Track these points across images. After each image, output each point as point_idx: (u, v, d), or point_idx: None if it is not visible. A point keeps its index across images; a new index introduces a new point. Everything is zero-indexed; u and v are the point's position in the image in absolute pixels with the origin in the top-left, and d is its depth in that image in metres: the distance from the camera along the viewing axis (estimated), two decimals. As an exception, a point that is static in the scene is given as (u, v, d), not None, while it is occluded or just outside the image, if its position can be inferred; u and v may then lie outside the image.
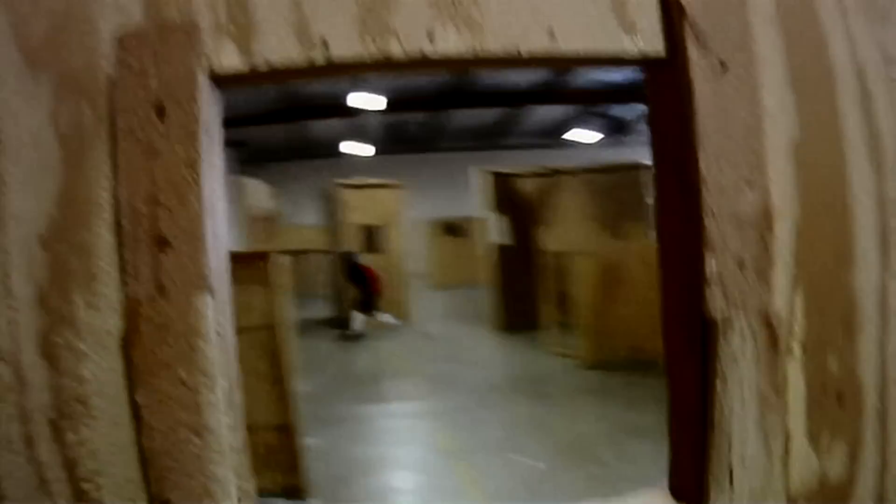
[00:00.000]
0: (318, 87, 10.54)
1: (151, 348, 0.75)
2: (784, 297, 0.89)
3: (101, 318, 0.75)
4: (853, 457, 0.94)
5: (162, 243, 0.74)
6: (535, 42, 0.82)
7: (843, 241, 0.91)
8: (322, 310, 11.00)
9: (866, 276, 0.92)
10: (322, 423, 4.88)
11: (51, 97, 0.74)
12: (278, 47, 0.77)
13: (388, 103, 11.53)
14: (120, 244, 0.74)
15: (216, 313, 0.76)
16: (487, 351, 8.02)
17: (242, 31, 0.76)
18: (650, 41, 0.85)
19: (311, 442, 3.92)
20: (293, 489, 3.53)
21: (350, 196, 9.88)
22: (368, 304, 8.91)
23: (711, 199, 0.85)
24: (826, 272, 0.91)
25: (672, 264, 0.94)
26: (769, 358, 0.88)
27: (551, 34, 0.82)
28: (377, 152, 16.46)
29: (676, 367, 0.95)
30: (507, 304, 8.50)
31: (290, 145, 15.61)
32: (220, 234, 0.81)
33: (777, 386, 0.89)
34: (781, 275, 0.89)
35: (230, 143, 13.20)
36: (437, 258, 15.47)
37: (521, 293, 8.16)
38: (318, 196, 12.01)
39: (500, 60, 0.83)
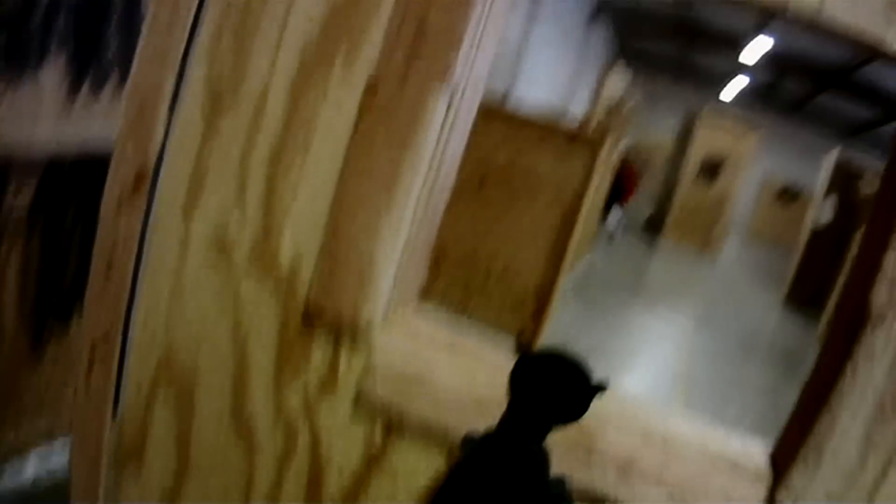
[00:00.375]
0: (724, 19, 10.11)
1: (379, 119, 0.89)
2: None
3: (344, 85, 0.90)
4: None
5: (421, 36, 0.86)
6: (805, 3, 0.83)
7: None
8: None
9: None
10: (586, 302, 5.07)
11: None
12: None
13: (777, 60, 10.90)
14: (387, 33, 0.87)
15: (445, 112, 0.88)
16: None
17: None
18: None
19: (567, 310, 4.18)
20: (525, 338, 3.76)
21: (707, 121, 9.79)
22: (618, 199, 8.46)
23: None
24: None
25: (870, 246, 0.94)
26: None
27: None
28: (747, 103, 16.52)
29: (827, 347, 0.97)
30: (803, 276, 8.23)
31: (677, 63, 15.36)
32: (486, 50, 0.93)
33: None
34: None
35: (631, 52, 13.70)
36: (761, 213, 15.35)
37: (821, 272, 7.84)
38: (681, 112, 12.14)
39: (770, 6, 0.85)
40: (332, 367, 0.97)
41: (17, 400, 2.09)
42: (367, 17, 0.88)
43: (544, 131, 3.79)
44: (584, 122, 4.37)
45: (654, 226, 11.39)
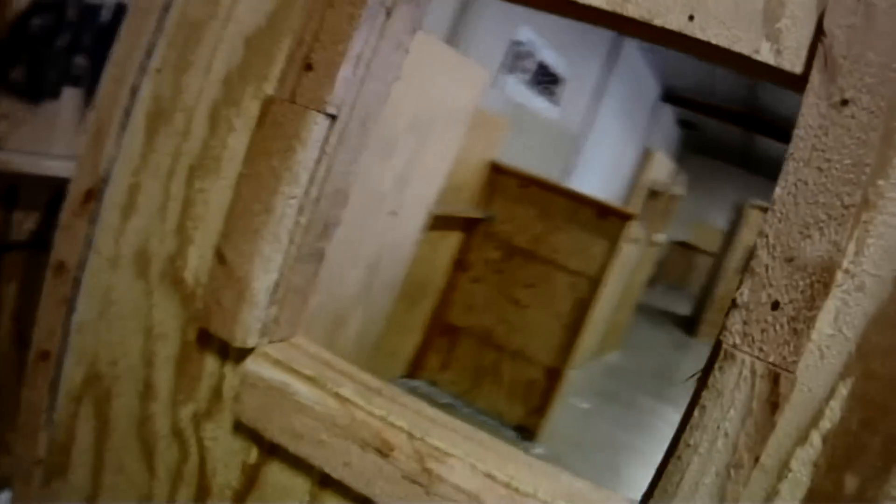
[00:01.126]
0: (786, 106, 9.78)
1: (267, 137, 0.95)
2: (822, 373, 0.78)
3: (253, 106, 0.98)
4: None
5: (308, 67, 0.93)
6: (672, 21, 0.84)
7: None
8: (682, 305, 10.88)
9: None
10: (606, 398, 4.85)
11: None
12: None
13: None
14: (287, 60, 0.95)
15: (324, 134, 0.94)
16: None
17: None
18: (790, 56, 0.81)
19: (583, 405, 4.01)
20: (526, 430, 3.72)
21: (756, 218, 9.37)
22: None
23: (774, 225, 0.79)
24: (891, 383, 0.77)
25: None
26: (761, 419, 0.79)
27: (691, 18, 0.84)
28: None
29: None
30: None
31: (737, 150, 14.97)
32: (371, 90, 0.98)
33: (757, 454, 0.79)
34: (828, 346, 0.78)
35: (681, 123, 13.56)
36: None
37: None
38: (730, 204, 11.75)
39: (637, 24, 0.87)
40: (218, 387, 1.00)
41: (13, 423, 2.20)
42: (274, 50, 0.97)
43: (576, 204, 3.78)
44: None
45: (691, 323, 10.58)
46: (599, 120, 9.57)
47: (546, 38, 7.12)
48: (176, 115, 1.03)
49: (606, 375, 5.89)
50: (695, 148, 15.53)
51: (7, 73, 1.81)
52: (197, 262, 1.01)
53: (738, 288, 0.80)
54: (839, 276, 0.77)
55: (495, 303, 4.05)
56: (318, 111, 0.92)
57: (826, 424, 0.78)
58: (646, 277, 6.74)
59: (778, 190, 0.79)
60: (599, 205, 3.87)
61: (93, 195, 1.08)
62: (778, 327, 0.78)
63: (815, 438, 0.79)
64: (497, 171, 4.01)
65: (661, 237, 6.22)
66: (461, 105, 2.18)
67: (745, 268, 0.80)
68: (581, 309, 3.80)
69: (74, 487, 1.14)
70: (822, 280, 0.77)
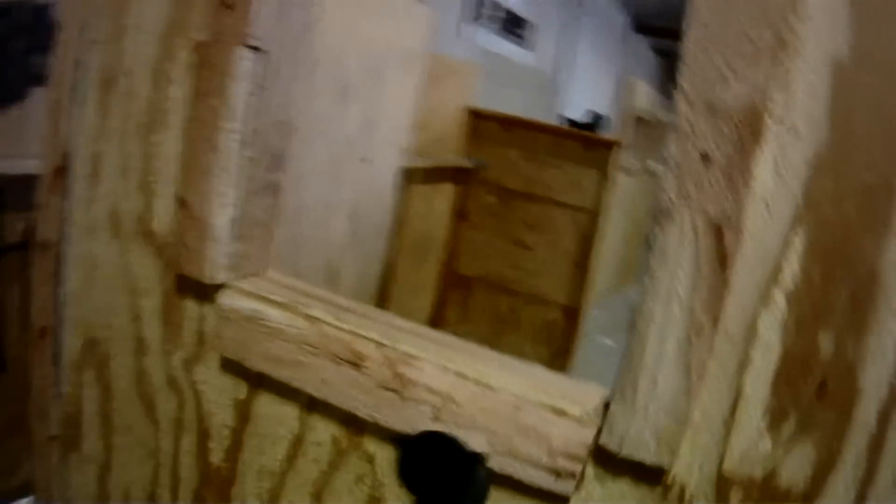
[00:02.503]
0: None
1: (202, 79, 0.96)
2: (772, 226, 0.75)
3: (186, 56, 0.98)
4: (820, 470, 0.76)
5: (226, 5, 0.93)
6: None
7: (881, 201, 0.72)
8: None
9: (903, 254, 0.75)
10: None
11: None
12: None
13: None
14: (205, 4, 0.95)
15: (253, 67, 0.93)
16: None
17: None
18: None
19: (607, 341, 4.02)
20: (555, 370, 3.71)
21: None
22: None
23: (688, 76, 0.75)
24: (847, 228, 0.73)
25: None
26: (711, 276, 0.75)
27: None
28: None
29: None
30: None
31: None
32: (294, 20, 0.97)
33: (716, 317, 0.76)
34: (772, 196, 0.74)
35: (658, 52, 13.49)
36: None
37: None
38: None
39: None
40: (201, 329, 1.03)
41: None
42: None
43: (559, 138, 3.75)
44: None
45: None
46: (573, 58, 9.54)
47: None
48: (120, 79, 1.05)
49: (627, 310, 5.88)
50: (675, 76, 15.40)
51: (-33, 83, 1.82)
52: (163, 212, 1.03)
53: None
54: (769, 121, 0.73)
55: (501, 248, 4.04)
56: (243, 45, 0.92)
57: (787, 280, 0.75)
58: (649, 207, 6.70)
59: (686, 40, 0.75)
60: (583, 137, 3.85)
61: (61, 172, 1.09)
62: (712, 180, 0.75)
63: (779, 297, 0.76)
64: (478, 117, 3.99)
65: (657, 166, 6.15)
66: (410, 47, 2.15)
67: (671, 124, 0.77)
68: (587, 243, 3.79)
69: (89, 456, 1.18)
70: (749, 126, 0.74)
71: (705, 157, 0.75)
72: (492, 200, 4.06)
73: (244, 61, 0.92)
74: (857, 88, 0.72)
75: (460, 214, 4.10)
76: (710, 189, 0.75)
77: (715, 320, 0.76)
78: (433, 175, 3.71)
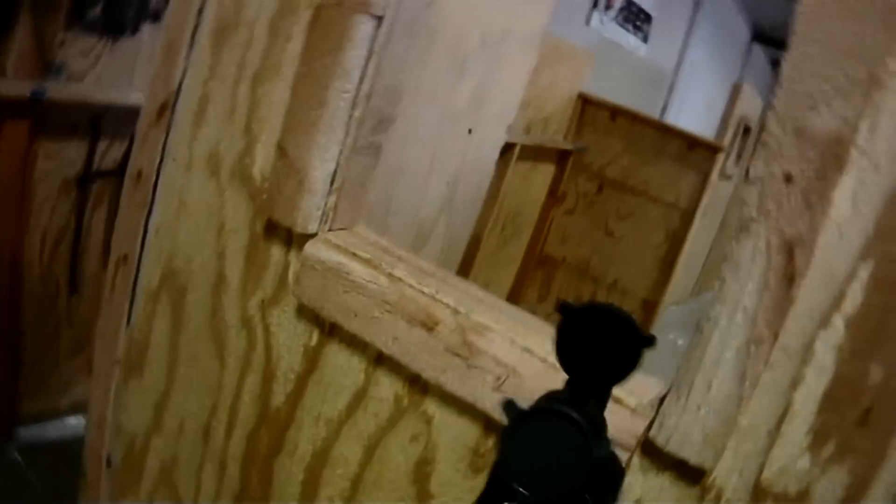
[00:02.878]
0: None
1: (319, 38, 1.08)
2: (842, 253, 0.83)
3: (307, 15, 1.11)
4: (852, 494, 0.84)
5: None
6: None
7: None
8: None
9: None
10: None
11: None
12: None
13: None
14: None
15: (371, 33, 1.06)
16: None
17: None
18: None
19: (680, 341, 4.09)
20: None
21: None
22: None
23: (783, 98, 0.84)
24: None
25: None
26: (778, 293, 0.84)
27: None
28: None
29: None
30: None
31: None
32: None
33: (776, 331, 0.85)
34: (846, 224, 0.83)
35: (774, 63, 13.22)
36: None
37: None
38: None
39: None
40: (283, 274, 1.14)
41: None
42: None
43: (664, 136, 3.84)
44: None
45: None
46: (690, 58, 9.52)
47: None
48: (239, 29, 1.16)
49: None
50: None
51: (84, 13, 2.01)
52: (263, 158, 1.15)
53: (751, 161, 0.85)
54: (853, 152, 0.81)
55: (590, 234, 4.18)
56: (364, 12, 1.02)
57: (848, 308, 0.83)
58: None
59: (785, 64, 0.84)
60: (688, 137, 3.95)
61: (167, 108, 1.24)
62: (792, 199, 0.84)
63: (838, 321, 0.83)
64: (586, 103, 4.11)
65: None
66: (529, 30, 2.27)
67: (758, 141, 0.85)
68: (675, 241, 3.91)
69: (150, 383, 1.31)
70: (833, 155, 0.82)
71: (788, 178, 0.84)
72: (589, 187, 4.18)
73: (363, 26, 1.02)
74: None
75: (556, 196, 4.24)
76: (789, 209, 0.84)
77: (775, 334, 0.85)
78: (535, 153, 3.85)
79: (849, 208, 0.83)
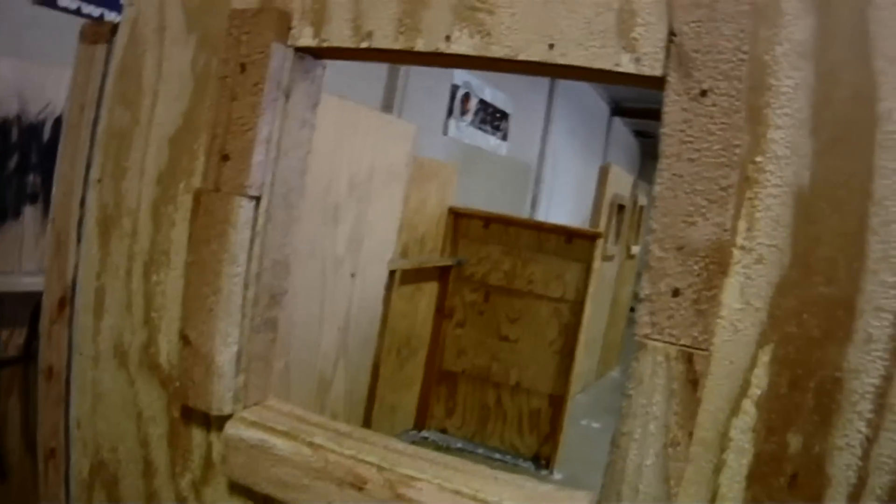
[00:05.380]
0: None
1: (202, 225, 1.04)
2: (740, 346, 0.87)
3: (186, 200, 1.07)
4: None
5: (225, 158, 1.02)
6: (534, 52, 0.93)
7: (841, 313, 0.84)
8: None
9: (863, 359, 0.83)
10: (616, 415, 4.98)
11: (194, 47, 1.09)
12: (338, 34, 1.05)
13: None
14: (206, 153, 1.06)
15: (251, 215, 1.05)
16: None
17: (318, 18, 1.06)
18: (650, 61, 0.89)
19: (594, 425, 4.17)
20: (543, 458, 3.87)
21: None
22: None
23: (660, 219, 0.87)
24: (810, 340, 0.85)
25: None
26: (685, 397, 0.87)
27: (551, 46, 0.93)
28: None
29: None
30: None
31: None
32: (286, 167, 1.09)
33: (690, 430, 0.88)
34: (739, 320, 0.87)
35: (637, 133, 13.88)
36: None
37: None
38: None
39: (503, 62, 0.96)
40: (208, 455, 1.07)
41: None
42: (194, 146, 1.08)
43: (541, 233, 3.97)
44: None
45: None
46: (553, 146, 9.84)
47: (483, 77, 7.40)
48: (123, 219, 1.12)
49: (612, 392, 6.04)
50: (656, 155, 15.93)
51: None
52: (167, 347, 1.09)
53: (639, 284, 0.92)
54: (735, 253, 0.85)
55: (485, 343, 4.17)
56: (242, 195, 1.01)
57: (755, 392, 0.86)
58: (631, 291, 6.94)
59: (657, 187, 0.87)
60: (565, 230, 4.04)
61: (65, 302, 1.18)
62: (682, 312, 0.86)
63: (748, 406, 0.86)
64: (458, 216, 4.19)
65: (636, 248, 6.45)
66: (395, 161, 2.35)
67: (642, 263, 0.92)
68: (569, 333, 3.94)
69: None
70: (715, 261, 0.85)
71: (676, 292, 0.86)
72: (475, 297, 4.20)
73: (243, 209, 1.01)
74: (819, 213, 0.83)
75: (444, 312, 4.26)
76: (681, 320, 0.86)
77: (689, 433, 0.86)
78: (416, 275, 3.80)
79: (739, 304, 0.86)
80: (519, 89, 8.23)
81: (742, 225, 0.85)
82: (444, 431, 4.16)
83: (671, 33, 0.87)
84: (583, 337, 3.79)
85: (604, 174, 4.61)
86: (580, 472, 3.94)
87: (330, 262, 1.91)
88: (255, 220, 1.04)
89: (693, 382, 0.87)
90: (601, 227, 4.25)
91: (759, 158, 0.85)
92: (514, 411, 4.02)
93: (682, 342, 0.86)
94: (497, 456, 3.96)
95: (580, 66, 0.91)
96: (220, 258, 1.02)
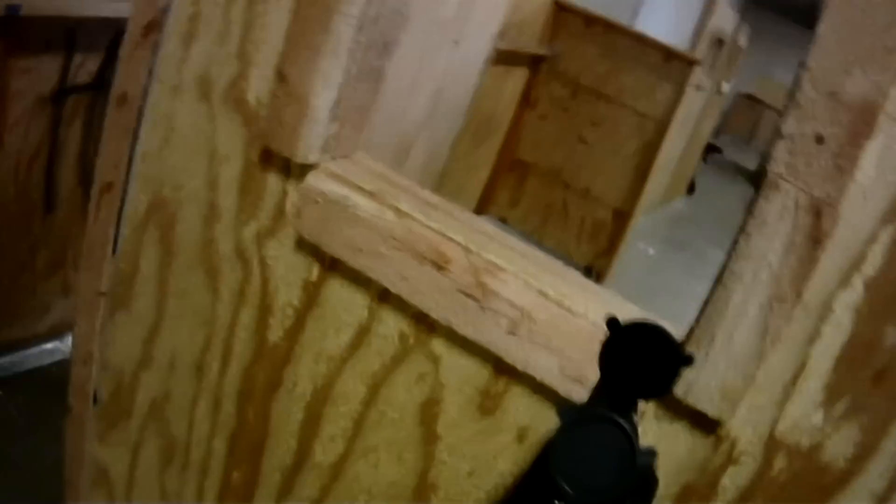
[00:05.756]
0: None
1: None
2: (865, 215, 0.83)
3: None
4: (861, 453, 0.86)
5: None
6: None
7: None
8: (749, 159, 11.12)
9: None
10: (672, 245, 4.95)
11: None
12: None
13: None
14: None
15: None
16: None
17: None
18: None
19: (650, 251, 4.16)
20: (596, 271, 3.90)
21: None
22: None
23: (818, 59, 0.82)
24: None
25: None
26: (804, 253, 0.84)
27: None
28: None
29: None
30: None
31: (804, 8, 14.56)
32: None
33: (799, 289, 0.85)
34: (871, 188, 0.82)
35: None
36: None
37: None
38: (796, 62, 11.76)
39: None
40: (281, 205, 1.12)
41: (69, 268, 2.38)
42: None
43: (641, 45, 3.81)
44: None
45: (758, 177, 10.74)
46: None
47: None
48: None
49: (673, 222, 6.01)
50: (762, 1, 15.10)
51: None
52: (259, 83, 1.10)
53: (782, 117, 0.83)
54: (882, 119, 0.81)
55: (563, 140, 4.20)
56: None
57: (868, 270, 0.84)
58: (712, 127, 6.75)
59: (822, 24, 0.81)
60: (665, 48, 3.96)
61: (154, 27, 1.16)
62: (822, 161, 0.83)
63: (858, 283, 0.84)
64: (561, 9, 4.02)
65: (726, 87, 6.21)
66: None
67: (790, 98, 0.83)
68: (647, 151, 3.96)
69: (138, 317, 1.28)
70: (864, 119, 0.81)
71: (819, 139, 0.83)
72: (562, 92, 4.16)
73: None
74: None
75: (528, 101, 4.18)
76: (819, 170, 0.84)
77: (798, 292, 0.86)
78: (508, 58, 3.77)
79: (874, 173, 0.84)
80: None
81: (894, 92, 0.80)
82: (504, 221, 4.22)
83: None
84: (661, 158, 3.67)
85: (710, 4, 4.35)
86: (628, 294, 3.94)
87: (437, 22, 1.79)
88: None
89: (816, 240, 0.84)
90: (699, 55, 4.03)
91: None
92: (577, 217, 4.07)
93: (815, 193, 0.84)
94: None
95: None
96: (333, 5, 0.99)
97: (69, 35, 2.16)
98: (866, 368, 0.84)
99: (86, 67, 2.20)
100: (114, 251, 1.28)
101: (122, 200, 1.25)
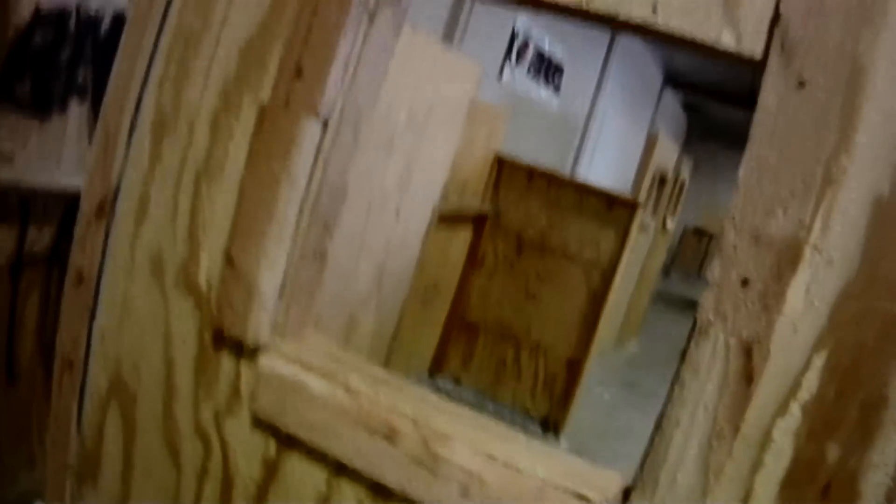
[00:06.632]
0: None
1: (265, 142, 1.07)
2: (796, 346, 0.86)
3: (250, 114, 1.10)
4: None
5: (298, 73, 1.05)
6: (636, 14, 0.93)
7: None
8: (699, 292, 11.36)
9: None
10: (627, 388, 4.96)
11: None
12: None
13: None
14: (278, 67, 1.07)
15: (318, 137, 1.05)
16: None
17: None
18: (750, 41, 0.88)
19: (605, 395, 4.17)
20: (552, 422, 3.88)
21: None
22: None
23: (739, 206, 0.87)
24: (863, 352, 0.84)
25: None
26: (737, 391, 0.88)
27: (654, 10, 0.92)
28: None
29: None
30: None
31: (744, 132, 15.29)
32: (360, 92, 1.09)
33: (736, 424, 0.88)
34: (800, 320, 0.86)
35: (687, 107, 13.79)
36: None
37: None
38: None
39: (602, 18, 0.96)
40: (236, 385, 1.15)
41: (34, 439, 2.32)
42: (266, 58, 1.09)
43: (582, 195, 3.94)
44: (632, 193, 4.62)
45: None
46: (602, 107, 9.79)
47: (543, 28, 7.25)
48: (179, 124, 1.17)
49: (627, 364, 6.05)
50: (702, 132, 15.90)
51: (13, 88, 1.92)
52: (208, 265, 1.15)
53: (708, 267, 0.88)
54: (807, 251, 0.85)
55: (510, 296, 4.29)
56: (311, 115, 1.04)
57: (804, 395, 0.86)
58: (660, 265, 6.91)
59: (742, 171, 0.88)
60: (606, 195, 4.08)
61: (106, 205, 1.22)
62: (749, 303, 0.87)
63: (795, 409, 0.87)
64: (502, 165, 4.16)
65: (672, 224, 6.41)
66: (456, 100, 2.28)
67: (716, 247, 0.88)
68: (596, 299, 4.02)
69: (105, 492, 1.29)
70: (788, 256, 0.85)
71: (745, 282, 0.88)
72: (507, 249, 4.25)
73: (310, 131, 1.04)
74: (893, 226, 0.82)
75: (473, 260, 4.27)
76: (746, 312, 0.87)
77: (736, 428, 0.88)
78: (451, 219, 3.91)
79: (803, 304, 0.87)
80: (577, 44, 8.11)
81: (818, 224, 0.86)
82: (457, 381, 4.23)
83: (777, 16, 0.87)
84: (610, 304, 3.74)
85: (651, 143, 4.57)
86: (586, 440, 3.94)
87: (377, 195, 1.85)
88: (321, 143, 1.08)
89: (749, 376, 0.88)
90: (641, 197, 4.17)
91: (843, 160, 0.85)
92: (530, 371, 4.11)
93: (744, 334, 0.88)
94: (507, 413, 3.96)
95: (680, 34, 0.92)
96: (280, 178, 1.07)
97: (23, 206, 2.19)
98: (812, 486, 0.86)
99: (41, 239, 2.22)
100: (78, 425, 1.29)
101: (84, 376, 1.27)
